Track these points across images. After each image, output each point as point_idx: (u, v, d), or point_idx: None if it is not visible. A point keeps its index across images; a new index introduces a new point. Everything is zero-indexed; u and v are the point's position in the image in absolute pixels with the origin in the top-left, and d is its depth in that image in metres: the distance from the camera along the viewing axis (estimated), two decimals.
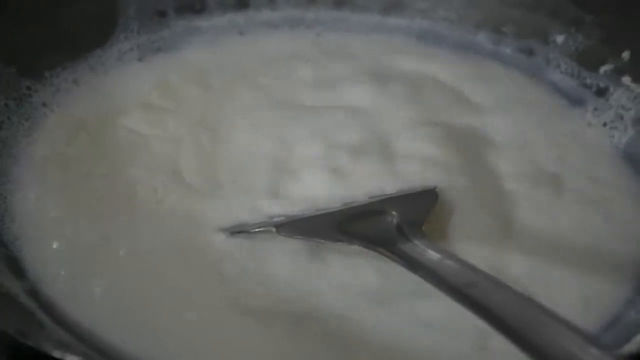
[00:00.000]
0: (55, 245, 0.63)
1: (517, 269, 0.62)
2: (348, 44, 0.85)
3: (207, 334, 0.57)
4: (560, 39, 0.83)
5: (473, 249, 0.62)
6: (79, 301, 0.59)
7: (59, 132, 0.72)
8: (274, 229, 0.62)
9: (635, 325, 0.58)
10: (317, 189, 0.67)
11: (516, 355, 0.45)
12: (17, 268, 0.61)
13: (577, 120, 0.78)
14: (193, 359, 0.56)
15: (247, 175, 0.69)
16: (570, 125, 0.77)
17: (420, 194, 0.66)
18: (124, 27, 0.83)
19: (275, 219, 0.64)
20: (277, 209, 0.66)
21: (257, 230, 0.63)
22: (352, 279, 0.61)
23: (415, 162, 0.69)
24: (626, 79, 0.77)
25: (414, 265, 0.56)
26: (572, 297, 0.61)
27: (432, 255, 0.56)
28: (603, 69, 0.79)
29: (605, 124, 0.77)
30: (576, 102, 0.79)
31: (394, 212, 0.62)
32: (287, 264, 0.62)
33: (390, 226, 0.61)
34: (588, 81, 0.80)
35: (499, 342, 0.47)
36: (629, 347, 0.55)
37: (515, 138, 0.74)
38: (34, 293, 0.59)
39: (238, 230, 0.63)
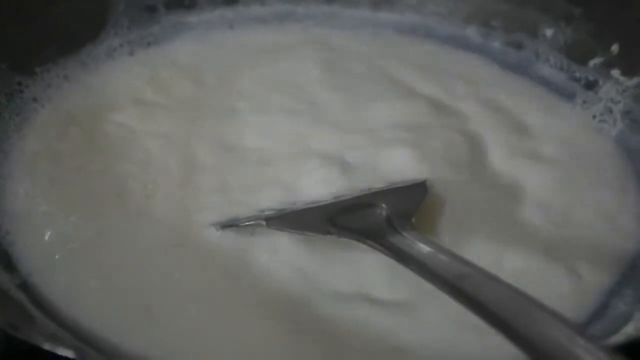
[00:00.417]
0: (46, 240, 0.63)
1: (507, 261, 0.62)
2: (338, 39, 0.85)
3: (202, 327, 0.58)
4: (549, 32, 0.83)
5: (463, 242, 0.62)
6: (69, 295, 0.59)
7: (49, 128, 0.72)
8: (264, 222, 0.62)
9: (623, 316, 0.59)
10: (310, 183, 0.67)
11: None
12: (8, 262, 0.61)
13: (566, 113, 0.78)
14: (185, 348, 0.56)
15: (237, 170, 0.69)
16: (559, 118, 0.77)
17: (410, 186, 0.66)
18: (114, 23, 0.84)
19: (266, 213, 0.64)
20: (269, 203, 0.66)
21: (247, 223, 0.63)
22: (350, 275, 0.61)
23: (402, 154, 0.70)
24: (615, 72, 0.78)
25: (404, 257, 0.56)
26: (561, 288, 0.61)
27: (422, 247, 0.56)
28: (592, 62, 0.80)
29: (594, 117, 0.77)
30: (565, 95, 0.80)
31: (383, 205, 0.62)
32: (280, 257, 0.62)
33: (380, 219, 0.61)
34: (577, 74, 0.80)
35: (499, 342, 0.47)
36: (617, 338, 0.55)
37: (505, 132, 0.74)
38: (25, 287, 0.60)
39: (229, 224, 0.63)
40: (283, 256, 0.62)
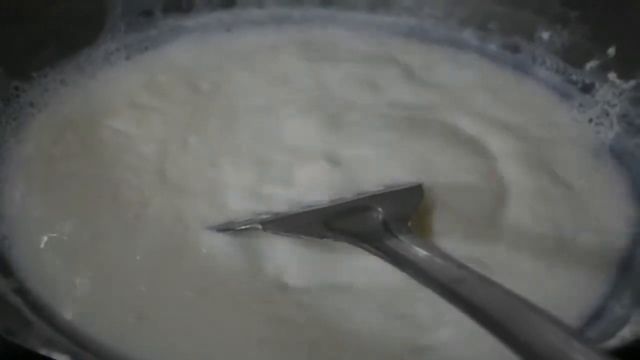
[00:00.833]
0: (42, 244, 0.63)
1: (503, 265, 0.62)
2: (335, 42, 0.86)
3: (196, 332, 0.57)
4: (545, 35, 0.83)
5: (459, 245, 0.62)
6: (66, 299, 0.59)
7: (45, 132, 0.72)
8: (260, 226, 0.62)
9: (619, 319, 0.58)
10: (308, 186, 0.67)
11: None
12: (4, 266, 0.61)
13: (562, 117, 0.78)
14: (180, 353, 0.56)
15: (234, 174, 0.69)
16: (555, 122, 0.77)
17: (406, 190, 0.66)
18: (111, 26, 0.83)
19: (262, 216, 0.64)
20: (265, 207, 0.66)
21: (243, 227, 0.63)
22: (349, 278, 0.61)
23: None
24: (612, 75, 0.78)
25: (400, 261, 0.56)
26: (558, 291, 0.61)
27: (418, 251, 0.56)
28: (589, 65, 0.80)
29: (590, 120, 0.77)
30: (562, 98, 0.80)
31: (379, 209, 0.62)
32: (278, 261, 0.62)
33: (376, 222, 0.61)
34: (574, 77, 0.80)
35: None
36: (614, 342, 0.55)
37: (501, 135, 0.74)
38: (22, 291, 0.60)
39: (225, 229, 0.63)
40: (280, 261, 0.62)
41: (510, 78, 0.83)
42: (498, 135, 0.74)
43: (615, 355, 0.44)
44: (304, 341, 0.57)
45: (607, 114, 0.77)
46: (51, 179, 0.68)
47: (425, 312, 0.59)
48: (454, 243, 0.62)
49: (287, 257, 0.62)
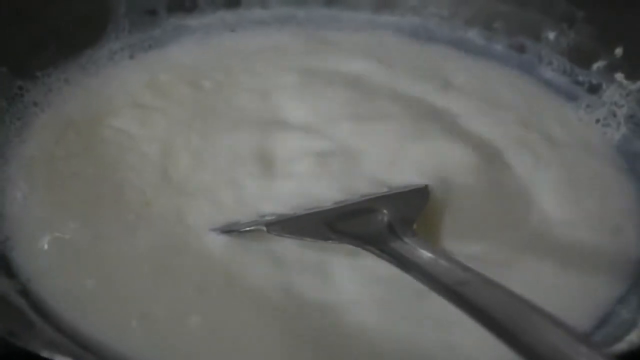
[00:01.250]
0: (45, 245, 0.63)
1: (508, 267, 0.61)
2: (339, 42, 0.85)
3: (199, 333, 0.57)
4: (552, 35, 0.83)
5: (464, 247, 0.62)
6: (69, 301, 0.59)
7: (48, 132, 0.72)
8: (264, 228, 0.62)
9: (626, 324, 0.58)
10: (309, 186, 0.67)
11: None
12: (7, 267, 0.61)
13: (569, 118, 0.78)
14: (183, 354, 0.56)
15: (237, 174, 0.68)
16: (562, 123, 0.77)
17: (411, 192, 0.66)
18: (115, 26, 0.84)
19: (266, 218, 0.64)
20: (268, 207, 0.65)
21: (247, 229, 0.63)
22: (351, 280, 0.61)
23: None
24: (619, 76, 0.77)
25: (405, 263, 0.55)
26: (564, 295, 0.60)
27: (423, 253, 0.56)
28: (596, 65, 0.79)
29: (597, 121, 0.77)
30: (569, 99, 0.80)
31: (385, 211, 0.62)
32: (279, 263, 0.62)
33: (381, 224, 0.61)
34: (580, 78, 0.80)
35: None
36: (621, 346, 0.55)
37: (508, 135, 0.74)
38: (25, 292, 0.60)
39: (229, 230, 0.63)
40: (285, 261, 0.62)
41: (516, 78, 0.82)
42: (505, 136, 0.73)
43: None
44: (309, 340, 0.57)
45: (615, 115, 0.76)
46: (53, 179, 0.67)
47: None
48: (460, 245, 0.62)
49: (292, 259, 0.62)
